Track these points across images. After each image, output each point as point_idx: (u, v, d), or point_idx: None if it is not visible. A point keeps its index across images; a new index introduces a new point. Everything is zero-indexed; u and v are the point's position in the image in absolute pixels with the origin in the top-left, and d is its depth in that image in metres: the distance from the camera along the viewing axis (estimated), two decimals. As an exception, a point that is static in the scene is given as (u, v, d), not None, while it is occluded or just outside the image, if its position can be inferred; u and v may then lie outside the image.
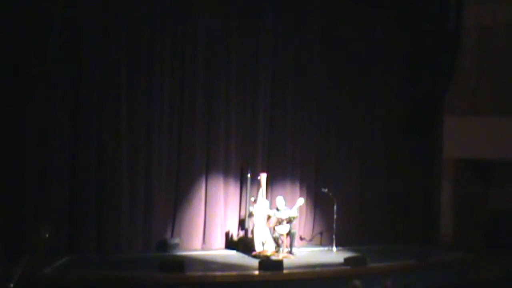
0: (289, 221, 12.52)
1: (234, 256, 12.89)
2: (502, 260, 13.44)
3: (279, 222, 12.51)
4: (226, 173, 13.58)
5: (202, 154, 13.37)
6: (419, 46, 15.38)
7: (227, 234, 13.56)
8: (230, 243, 13.46)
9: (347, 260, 11.99)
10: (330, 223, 13.93)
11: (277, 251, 12.52)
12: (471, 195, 15.70)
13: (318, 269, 11.79)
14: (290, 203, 13.03)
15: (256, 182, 13.19)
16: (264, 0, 14.07)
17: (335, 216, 13.72)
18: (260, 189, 12.90)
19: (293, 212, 12.66)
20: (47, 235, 10.27)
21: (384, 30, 15.29)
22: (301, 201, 12.93)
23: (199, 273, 11.03)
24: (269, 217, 12.64)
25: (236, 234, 13.61)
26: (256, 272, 11.26)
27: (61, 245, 11.74)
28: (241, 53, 13.83)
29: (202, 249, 13.27)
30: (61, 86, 11.94)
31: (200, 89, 13.35)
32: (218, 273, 11.06)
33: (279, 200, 12.86)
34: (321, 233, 14.41)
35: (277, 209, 12.76)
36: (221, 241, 13.50)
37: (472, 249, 13.95)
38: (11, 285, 8.36)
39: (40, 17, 11.62)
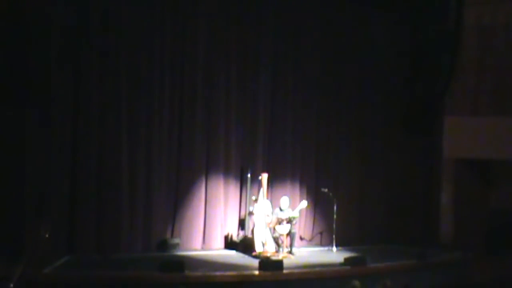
0: (289, 221, 12.53)
1: (234, 256, 12.89)
2: (502, 260, 13.44)
3: (279, 222, 12.52)
4: (226, 173, 13.59)
5: (202, 154, 13.38)
6: (419, 46, 15.37)
7: (227, 234, 13.56)
8: (230, 243, 13.47)
9: (347, 260, 11.99)
10: (330, 223, 13.94)
11: (277, 251, 12.53)
12: (471, 195, 15.70)
13: (318, 269, 11.79)
14: (290, 204, 13.02)
15: (256, 182, 13.20)
16: (265, 1, 14.08)
17: (335, 216, 13.73)
18: (261, 189, 12.90)
19: (294, 212, 12.66)
20: (47, 235, 10.27)
21: (384, 30, 15.30)
22: (304, 203, 12.94)
23: (199, 273, 11.02)
24: (270, 220, 12.65)
25: (236, 234, 13.61)
26: (256, 272, 11.26)
27: (61, 245, 11.74)
28: (241, 53, 13.84)
29: (202, 249, 13.27)
30: (61, 86, 11.93)
31: (200, 89, 13.36)
32: (218, 273, 11.06)
33: (284, 200, 12.86)
34: (321, 233, 14.42)
35: (280, 209, 12.76)
36: (221, 241, 13.51)
37: (472, 249, 13.95)
38: (11, 285, 8.36)
39: (40, 17, 11.62)
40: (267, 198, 13.07)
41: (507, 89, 15.10)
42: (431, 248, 14.01)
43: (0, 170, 11.36)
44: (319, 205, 14.45)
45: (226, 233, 13.56)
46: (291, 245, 12.76)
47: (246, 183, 13.44)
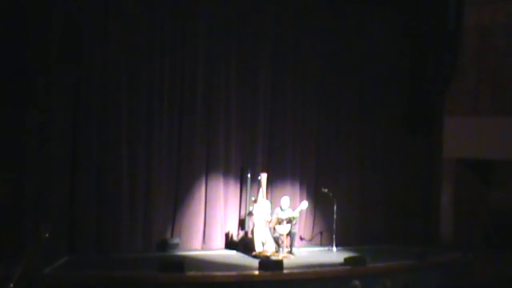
0: (289, 221, 12.52)
1: (234, 256, 12.89)
2: (502, 260, 13.44)
3: (279, 222, 12.52)
4: (226, 173, 13.59)
5: (202, 154, 13.37)
6: (419, 46, 15.38)
7: (227, 234, 13.56)
8: (230, 243, 13.46)
9: (347, 260, 11.99)
10: (330, 223, 13.93)
11: (277, 251, 12.52)
12: (471, 195, 15.70)
13: (318, 269, 11.79)
14: (291, 204, 13.02)
15: (256, 182, 13.19)
16: (265, 0, 14.08)
17: (335, 216, 13.72)
18: (261, 189, 12.90)
19: (295, 213, 12.66)
20: (47, 235, 10.26)
21: (384, 30, 15.29)
22: (305, 204, 12.93)
23: (199, 273, 11.02)
24: (269, 220, 12.65)
25: (236, 234, 13.61)
26: (256, 272, 11.26)
27: (61, 245, 11.74)
28: (241, 53, 13.84)
29: (202, 249, 13.27)
30: (61, 86, 11.95)
31: (200, 89, 13.35)
32: (218, 273, 11.06)
33: (285, 200, 12.85)
34: (321, 233, 14.41)
35: (281, 208, 12.76)
36: (221, 241, 13.50)
37: (472, 249, 13.95)
38: (11, 285, 8.34)
39: (40, 17, 11.63)
40: (267, 198, 13.07)
41: (507, 89, 15.09)
42: (431, 248, 14.02)
43: (0, 170, 11.37)
44: (319, 205, 14.44)
45: (226, 232, 13.55)
46: (291, 245, 12.75)
47: (246, 183, 13.44)
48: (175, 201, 13.16)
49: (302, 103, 14.50)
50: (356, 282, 9.12)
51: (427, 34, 15.26)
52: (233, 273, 11.19)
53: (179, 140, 13.20)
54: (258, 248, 12.55)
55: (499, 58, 15.19)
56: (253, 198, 13.08)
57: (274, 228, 12.57)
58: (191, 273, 10.87)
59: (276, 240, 12.62)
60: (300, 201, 13.31)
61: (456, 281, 12.69)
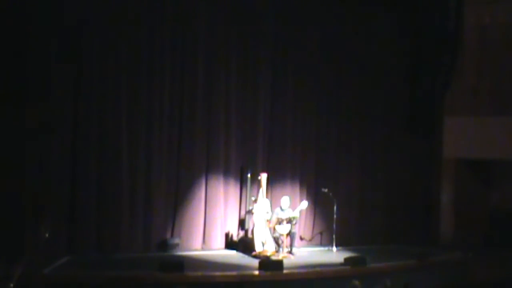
0: (289, 221, 12.52)
1: (234, 256, 12.89)
2: (502, 260, 13.45)
3: (279, 222, 12.52)
4: (226, 173, 13.59)
5: (202, 154, 13.38)
6: (419, 46, 15.39)
7: (227, 234, 13.56)
8: (230, 243, 13.47)
9: (347, 260, 11.99)
10: (330, 223, 13.94)
11: (277, 251, 12.52)
12: (471, 195, 15.71)
13: (318, 269, 11.78)
14: (291, 204, 13.02)
15: (256, 182, 13.20)
16: (265, 0, 14.08)
17: (335, 216, 13.73)
18: (260, 189, 12.90)
19: (295, 213, 12.66)
20: (47, 235, 10.27)
21: (384, 30, 15.30)
22: (304, 204, 12.93)
23: (199, 273, 11.02)
24: (269, 218, 12.66)
25: (236, 234, 13.61)
26: (256, 272, 11.25)
27: (61, 245, 11.74)
28: (241, 53, 13.84)
29: (202, 249, 13.27)
30: (61, 86, 11.93)
31: (200, 89, 13.36)
32: (218, 273, 11.06)
33: (285, 200, 12.85)
34: (321, 233, 14.42)
35: (281, 208, 12.76)
36: (221, 241, 13.50)
37: (472, 249, 13.96)
38: (11, 285, 8.35)
39: (40, 17, 11.62)
40: (267, 198, 13.07)
41: (507, 89, 15.11)
42: (431, 248, 14.02)
43: (0, 170, 11.37)
44: (319, 205, 14.45)
45: (226, 231, 13.55)
46: (291, 245, 12.75)
47: (246, 183, 13.44)
48: (175, 201, 13.16)
49: (302, 103, 14.51)
50: (356, 282, 9.12)
51: (427, 34, 15.27)
52: (233, 273, 11.18)
53: (179, 140, 13.19)
54: (258, 248, 12.54)
55: (499, 58, 15.22)
56: (253, 198, 13.08)
57: (274, 228, 12.57)
58: (191, 273, 10.87)
59: (276, 240, 12.62)
60: (300, 201, 13.31)
61: (456, 281, 12.70)
